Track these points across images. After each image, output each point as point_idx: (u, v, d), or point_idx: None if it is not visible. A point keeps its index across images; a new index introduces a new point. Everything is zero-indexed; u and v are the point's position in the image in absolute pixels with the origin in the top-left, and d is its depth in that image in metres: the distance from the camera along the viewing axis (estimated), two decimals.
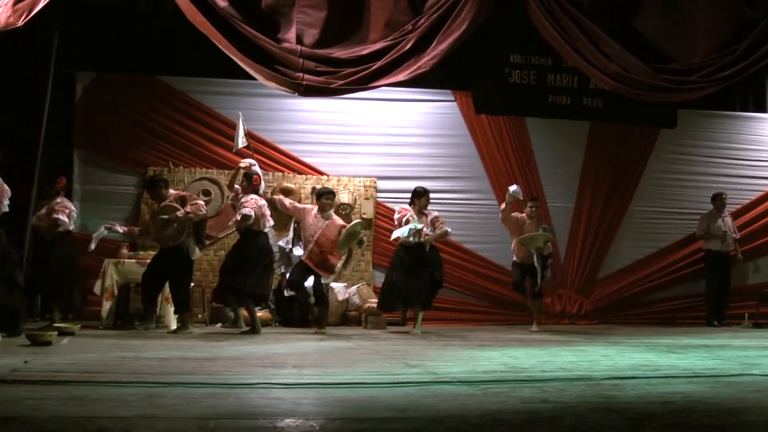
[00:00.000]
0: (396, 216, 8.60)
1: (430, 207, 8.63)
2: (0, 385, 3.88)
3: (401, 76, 7.61)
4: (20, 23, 6.52)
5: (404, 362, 5.30)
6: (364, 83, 7.64)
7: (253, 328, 7.83)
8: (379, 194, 10.13)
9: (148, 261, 8.44)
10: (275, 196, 8.69)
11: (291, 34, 7.48)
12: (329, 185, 9.91)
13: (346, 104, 9.85)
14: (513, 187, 8.93)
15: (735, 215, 10.94)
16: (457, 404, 3.59)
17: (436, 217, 8.57)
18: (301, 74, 7.41)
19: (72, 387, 3.89)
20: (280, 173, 9.84)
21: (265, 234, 8.16)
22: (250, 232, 7.92)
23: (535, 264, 8.97)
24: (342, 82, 7.55)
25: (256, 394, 3.80)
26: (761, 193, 11.27)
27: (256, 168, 8.34)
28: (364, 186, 10.05)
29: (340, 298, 9.48)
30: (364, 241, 9.11)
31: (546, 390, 4.03)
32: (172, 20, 7.83)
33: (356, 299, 9.59)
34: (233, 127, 9.18)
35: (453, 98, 10.48)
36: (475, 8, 7.63)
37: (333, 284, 9.57)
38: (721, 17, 8.15)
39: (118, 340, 6.78)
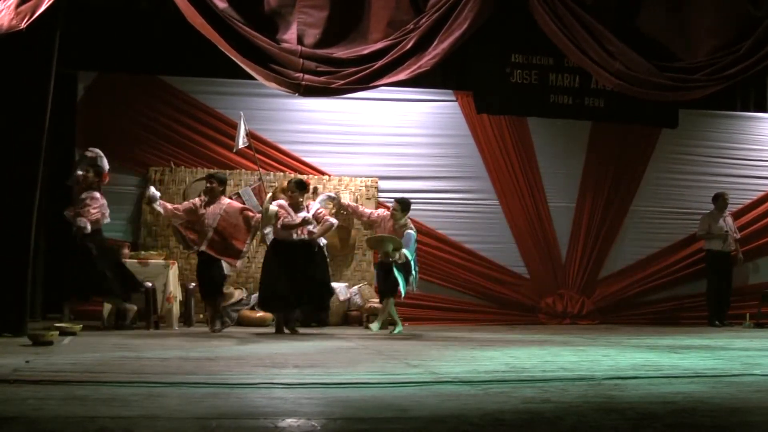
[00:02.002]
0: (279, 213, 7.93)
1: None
2: (1, 385, 3.89)
3: (402, 76, 7.60)
4: (23, 25, 6.51)
5: (405, 362, 5.30)
6: (364, 83, 7.63)
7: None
8: (380, 194, 10.12)
9: (150, 261, 8.45)
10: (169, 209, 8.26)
11: (291, 35, 7.48)
12: (330, 185, 9.94)
13: (348, 104, 9.85)
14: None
15: (736, 215, 10.94)
16: (458, 404, 3.59)
17: (319, 211, 8.13)
18: (301, 74, 7.40)
19: (73, 387, 3.90)
20: (282, 173, 9.83)
21: (94, 231, 7.93)
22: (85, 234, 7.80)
23: (395, 273, 8.16)
24: (342, 82, 7.54)
25: (258, 394, 3.81)
26: (762, 193, 11.26)
27: (103, 162, 8.19)
28: (366, 186, 10.05)
29: (342, 298, 9.47)
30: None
31: (547, 390, 4.03)
32: (173, 20, 7.82)
33: (357, 299, 9.59)
34: (234, 126, 9.18)
35: (454, 98, 10.47)
36: (476, 8, 7.62)
37: (334, 284, 9.55)
38: (724, 16, 8.14)
39: (120, 340, 6.79)
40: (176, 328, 8.33)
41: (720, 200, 10.57)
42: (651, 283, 10.82)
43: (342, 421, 3.18)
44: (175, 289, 8.55)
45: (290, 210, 7.99)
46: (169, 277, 8.46)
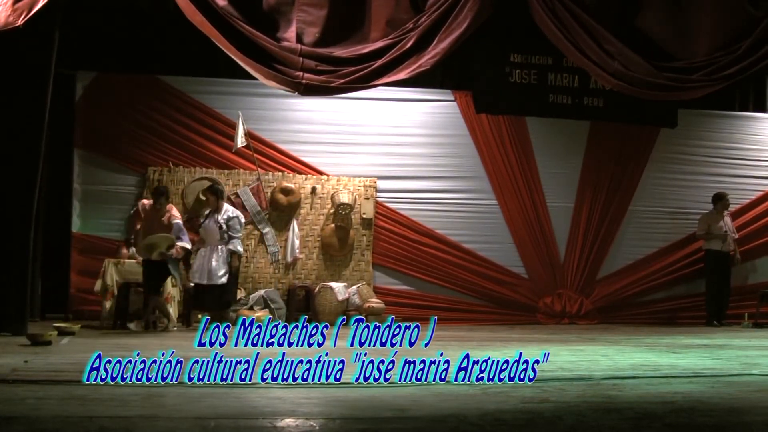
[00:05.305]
0: None
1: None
2: (0, 385, 3.88)
3: (402, 75, 7.60)
4: (20, 22, 6.51)
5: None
6: (364, 82, 7.62)
7: None
8: (379, 194, 10.12)
9: None
10: None
11: (291, 33, 7.47)
12: (329, 185, 9.93)
13: (347, 104, 9.84)
14: None
15: (735, 215, 10.94)
16: (457, 404, 3.59)
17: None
18: (301, 73, 7.40)
19: (72, 387, 3.89)
20: (280, 173, 9.83)
21: None
22: None
23: (169, 266, 7.96)
24: (342, 80, 7.53)
25: (256, 393, 3.81)
26: (761, 192, 11.26)
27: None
28: (364, 186, 10.04)
29: (340, 298, 9.47)
30: None
31: (546, 390, 4.03)
32: (172, 20, 7.82)
33: (356, 299, 9.58)
34: (233, 126, 9.17)
35: (453, 98, 10.46)
36: (476, 7, 7.62)
37: (333, 284, 9.56)
38: (724, 16, 8.14)
39: (118, 340, 6.79)
40: (174, 328, 8.32)
41: (721, 200, 10.55)
42: (649, 283, 10.81)
43: (341, 421, 3.18)
44: (173, 289, 8.55)
45: None
46: (168, 278, 8.44)
